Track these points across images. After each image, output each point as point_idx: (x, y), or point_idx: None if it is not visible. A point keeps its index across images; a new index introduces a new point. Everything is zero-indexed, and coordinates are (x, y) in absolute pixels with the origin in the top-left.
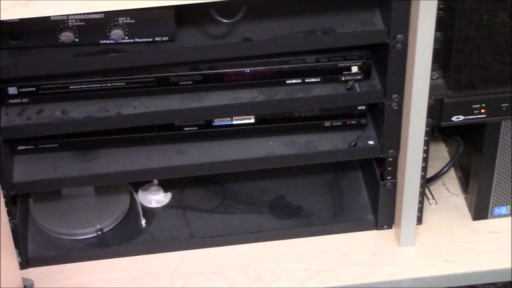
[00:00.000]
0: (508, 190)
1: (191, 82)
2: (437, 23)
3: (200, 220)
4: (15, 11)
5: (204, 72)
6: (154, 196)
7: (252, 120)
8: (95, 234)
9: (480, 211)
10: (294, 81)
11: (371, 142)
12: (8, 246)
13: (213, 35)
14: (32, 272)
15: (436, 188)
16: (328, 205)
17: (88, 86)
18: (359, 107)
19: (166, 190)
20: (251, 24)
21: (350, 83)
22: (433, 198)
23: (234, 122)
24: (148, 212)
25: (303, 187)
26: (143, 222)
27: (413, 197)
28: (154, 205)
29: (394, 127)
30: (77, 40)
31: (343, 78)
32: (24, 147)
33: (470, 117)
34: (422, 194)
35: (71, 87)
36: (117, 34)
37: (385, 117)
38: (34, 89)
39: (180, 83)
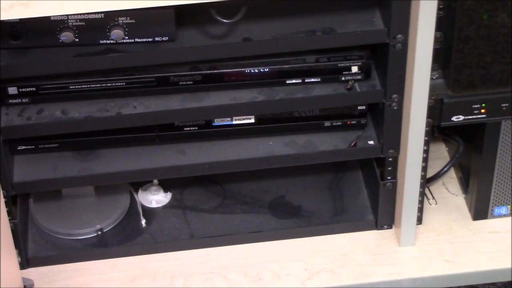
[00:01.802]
0: (508, 190)
1: (191, 82)
2: (437, 23)
3: (200, 220)
4: (15, 11)
5: (204, 72)
6: (154, 196)
7: (252, 120)
8: (95, 234)
9: (480, 211)
10: (294, 81)
11: (371, 142)
12: (8, 246)
13: (213, 35)
14: (32, 272)
15: (436, 188)
16: (328, 205)
17: (88, 86)
18: (359, 107)
19: (166, 190)
20: (251, 24)
21: (350, 83)
22: (433, 198)
23: (234, 122)
24: (148, 212)
25: (303, 187)
26: (143, 222)
27: (413, 197)
28: (154, 205)
29: (394, 127)
30: (77, 40)
31: (343, 78)
32: (24, 147)
33: (470, 117)
34: (422, 194)
35: (71, 87)
36: (117, 34)
37: (385, 117)
38: (34, 89)
39: (180, 83)
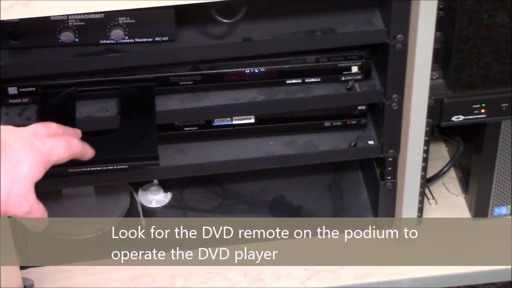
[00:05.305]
0: (508, 190)
1: (191, 82)
2: (437, 23)
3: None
4: (15, 11)
5: (204, 72)
6: (154, 196)
7: (252, 120)
8: (95, 234)
9: (480, 211)
10: (294, 81)
11: (371, 142)
12: (8, 246)
13: (213, 35)
14: (32, 272)
15: (436, 188)
16: (328, 205)
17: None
18: (359, 107)
19: (166, 190)
20: (251, 24)
21: (350, 83)
22: (433, 198)
23: (234, 122)
24: (148, 212)
25: (303, 187)
26: (143, 222)
27: (413, 197)
28: (154, 205)
29: (394, 127)
30: (77, 40)
31: (343, 78)
32: None
33: (470, 117)
34: (422, 194)
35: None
36: (117, 34)
37: (385, 117)
38: (34, 89)
39: (180, 83)
